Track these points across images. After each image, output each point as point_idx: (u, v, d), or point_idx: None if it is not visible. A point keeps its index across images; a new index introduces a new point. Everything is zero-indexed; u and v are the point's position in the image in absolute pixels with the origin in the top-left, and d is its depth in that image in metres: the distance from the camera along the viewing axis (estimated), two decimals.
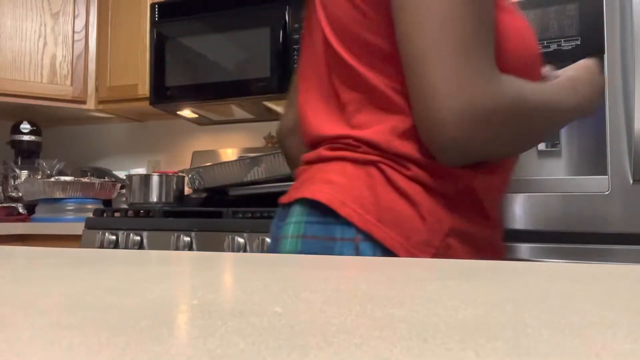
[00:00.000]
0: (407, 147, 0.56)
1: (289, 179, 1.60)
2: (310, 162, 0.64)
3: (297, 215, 0.60)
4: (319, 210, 0.58)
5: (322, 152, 0.62)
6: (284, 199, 0.64)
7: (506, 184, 0.64)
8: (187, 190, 1.89)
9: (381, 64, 0.58)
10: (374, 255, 0.54)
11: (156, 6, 2.07)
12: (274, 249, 0.65)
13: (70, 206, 2.01)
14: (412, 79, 0.53)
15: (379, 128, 0.58)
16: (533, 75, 0.58)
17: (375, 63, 0.58)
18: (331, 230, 0.56)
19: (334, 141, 0.61)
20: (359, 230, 0.55)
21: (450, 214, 0.56)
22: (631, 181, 1.22)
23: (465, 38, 0.50)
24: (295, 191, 0.62)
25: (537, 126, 0.58)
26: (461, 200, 0.58)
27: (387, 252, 0.54)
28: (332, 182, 0.58)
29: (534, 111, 0.55)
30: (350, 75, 0.60)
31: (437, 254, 0.55)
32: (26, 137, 2.41)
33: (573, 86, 0.62)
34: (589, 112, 0.64)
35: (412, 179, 0.56)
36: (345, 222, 0.55)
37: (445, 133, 0.50)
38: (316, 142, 0.65)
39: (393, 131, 0.57)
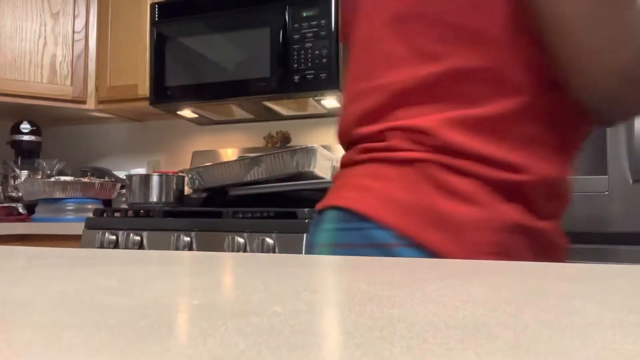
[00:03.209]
0: (460, 138, 0.53)
1: (289, 178, 1.60)
2: (344, 166, 0.63)
3: (328, 222, 0.59)
4: (353, 216, 0.56)
5: (355, 155, 0.60)
6: (318, 206, 0.63)
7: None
8: (187, 190, 1.89)
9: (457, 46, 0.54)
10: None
11: (156, 6, 2.07)
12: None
13: (70, 206, 2.01)
14: (566, 41, 0.51)
15: (427, 118, 0.55)
16: None
17: (448, 45, 0.54)
18: (368, 236, 0.54)
19: (368, 141, 0.59)
20: (397, 235, 0.52)
21: (514, 208, 0.53)
22: (631, 181, 1.22)
23: None
24: (329, 198, 0.62)
25: None
26: (528, 193, 0.54)
27: (432, 255, 0.51)
28: (364, 187, 0.57)
29: None
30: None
31: (498, 252, 0.51)
32: (26, 137, 2.41)
33: None
34: None
35: (464, 173, 0.52)
36: (383, 227, 0.53)
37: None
38: (350, 143, 0.63)
39: (445, 122, 0.54)
